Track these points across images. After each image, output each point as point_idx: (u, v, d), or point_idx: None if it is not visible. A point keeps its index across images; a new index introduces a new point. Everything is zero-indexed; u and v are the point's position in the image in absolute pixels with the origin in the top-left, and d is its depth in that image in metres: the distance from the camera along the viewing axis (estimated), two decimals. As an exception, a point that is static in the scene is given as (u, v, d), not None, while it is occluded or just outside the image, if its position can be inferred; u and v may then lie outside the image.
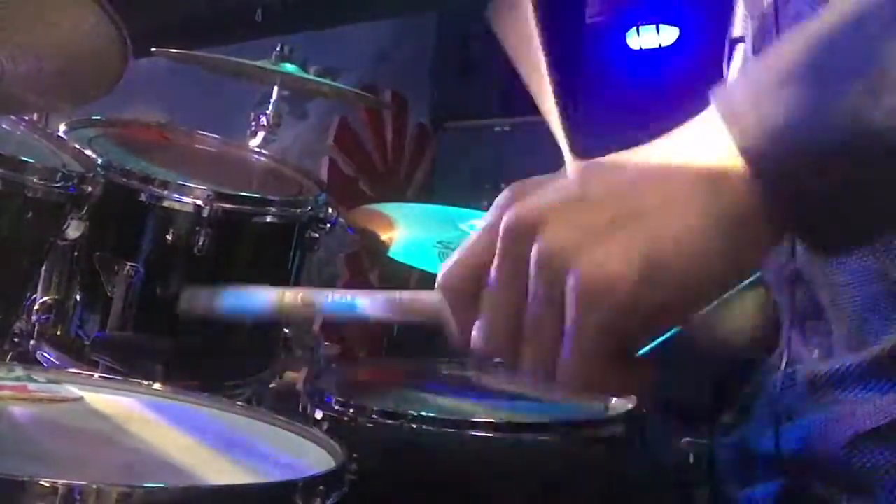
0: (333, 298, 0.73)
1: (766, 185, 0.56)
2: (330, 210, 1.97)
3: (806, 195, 0.56)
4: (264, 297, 0.77)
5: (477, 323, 0.62)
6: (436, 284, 0.64)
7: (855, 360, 0.88)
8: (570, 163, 0.63)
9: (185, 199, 1.77)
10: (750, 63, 0.72)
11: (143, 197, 1.78)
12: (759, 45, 1.05)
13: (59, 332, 1.80)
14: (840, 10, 0.57)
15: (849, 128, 0.55)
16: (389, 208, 2.14)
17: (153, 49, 2.29)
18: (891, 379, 0.85)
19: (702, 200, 0.57)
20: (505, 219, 0.60)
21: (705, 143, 0.59)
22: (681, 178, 0.58)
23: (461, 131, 4.39)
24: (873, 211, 0.58)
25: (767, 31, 1.00)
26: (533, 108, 0.67)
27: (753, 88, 0.58)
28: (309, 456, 1.19)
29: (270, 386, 1.95)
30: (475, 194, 3.93)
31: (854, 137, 0.55)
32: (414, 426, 1.53)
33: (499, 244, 0.60)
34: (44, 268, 1.77)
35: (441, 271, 0.64)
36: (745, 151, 0.57)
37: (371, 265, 4.52)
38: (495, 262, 0.61)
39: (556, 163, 0.63)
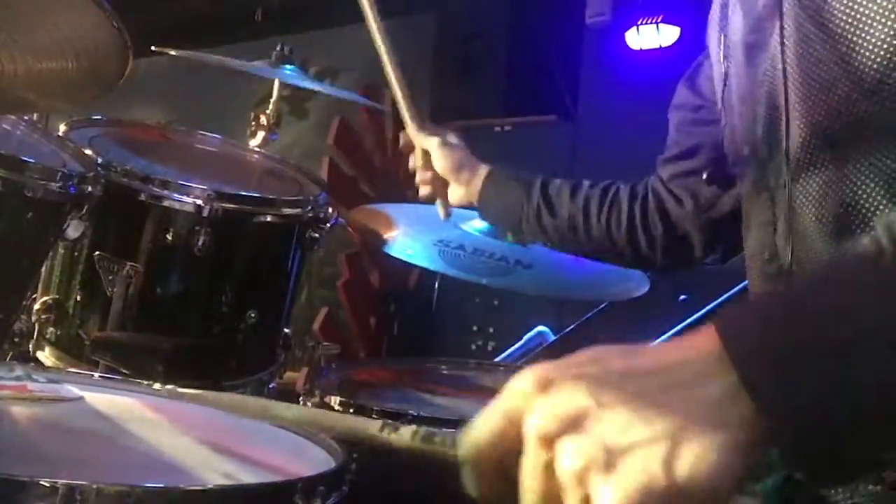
0: None
1: (771, 424, 0.63)
2: (330, 210, 1.97)
3: (808, 438, 0.64)
4: None
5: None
6: (462, 453, 0.71)
7: None
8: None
9: (185, 198, 1.77)
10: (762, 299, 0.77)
11: (143, 197, 1.78)
12: (754, 47, 1.06)
13: (59, 332, 1.80)
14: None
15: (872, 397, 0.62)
16: (389, 208, 2.13)
17: (153, 49, 2.29)
18: None
19: (711, 427, 0.63)
20: (532, 428, 0.66)
21: (711, 370, 0.65)
22: (689, 405, 0.64)
23: (461, 131, 4.38)
24: (871, 452, 0.66)
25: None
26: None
27: (768, 337, 0.65)
28: (309, 456, 1.19)
29: (270, 386, 1.95)
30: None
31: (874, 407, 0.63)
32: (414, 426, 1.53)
33: (528, 450, 0.67)
34: (44, 268, 1.77)
35: (468, 441, 0.71)
36: (752, 389, 0.63)
37: (371, 265, 4.52)
38: (529, 465, 0.67)
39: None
